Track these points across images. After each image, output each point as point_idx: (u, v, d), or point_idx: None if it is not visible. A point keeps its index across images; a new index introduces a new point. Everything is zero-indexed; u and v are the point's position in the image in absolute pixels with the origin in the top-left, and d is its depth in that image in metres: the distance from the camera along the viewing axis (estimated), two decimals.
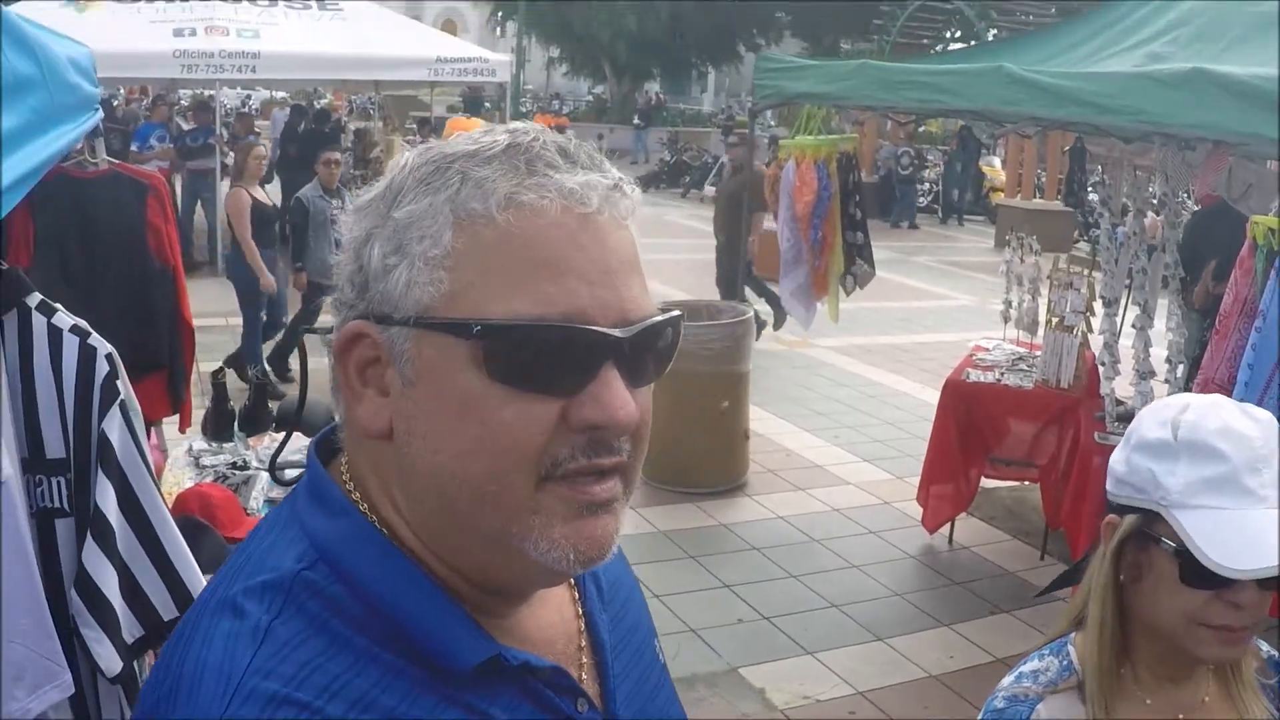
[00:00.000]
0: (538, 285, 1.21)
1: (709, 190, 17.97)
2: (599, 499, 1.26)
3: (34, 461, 3.21)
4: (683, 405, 9.15)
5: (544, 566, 1.26)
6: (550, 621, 1.45)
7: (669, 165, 36.79)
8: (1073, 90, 6.48)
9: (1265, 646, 2.28)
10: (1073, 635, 2.26)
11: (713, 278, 14.58)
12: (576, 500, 1.25)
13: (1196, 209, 9.52)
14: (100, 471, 3.22)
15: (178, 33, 15.44)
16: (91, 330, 3.35)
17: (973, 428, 8.40)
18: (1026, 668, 2.26)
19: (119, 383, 3.32)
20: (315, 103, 27.54)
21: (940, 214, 33.58)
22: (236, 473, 5.21)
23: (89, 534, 3.19)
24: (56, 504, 3.25)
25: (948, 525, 8.65)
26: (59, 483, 3.25)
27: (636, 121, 47.90)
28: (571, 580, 1.51)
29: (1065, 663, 2.22)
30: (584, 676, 1.45)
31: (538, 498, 1.24)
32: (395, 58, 17.24)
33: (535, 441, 1.22)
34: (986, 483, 8.90)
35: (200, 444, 5.59)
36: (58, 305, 3.34)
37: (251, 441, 5.56)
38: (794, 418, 11.84)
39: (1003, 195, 31.37)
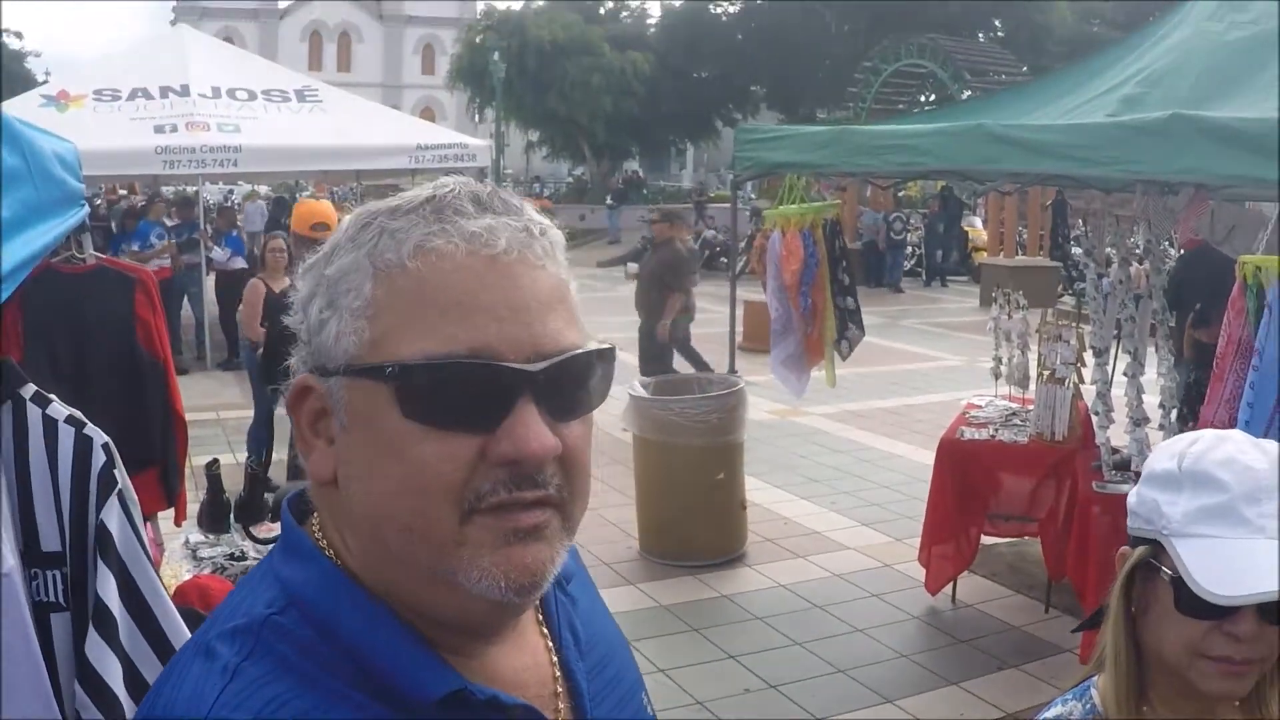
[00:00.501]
0: (446, 325, 1.26)
1: (631, 268, 17.80)
2: (524, 525, 1.28)
3: (29, 554, 3.18)
4: (678, 479, 9.16)
5: (479, 597, 1.27)
6: (523, 665, 1.45)
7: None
8: (1053, 144, 6.50)
9: None
10: (1096, 678, 2.23)
11: (703, 351, 14.56)
12: (502, 528, 1.27)
13: (1180, 254, 9.55)
14: (100, 562, 3.19)
15: (159, 129, 15.54)
16: (87, 421, 3.33)
17: (970, 485, 8.38)
18: (1050, 713, 2.23)
19: (116, 472, 3.29)
20: (298, 195, 27.61)
21: (924, 276, 33.73)
22: (234, 564, 5.18)
23: (91, 625, 3.15)
24: (52, 598, 3.21)
25: (950, 584, 8.58)
26: (55, 576, 3.21)
27: (609, 201, 48.20)
28: (544, 628, 1.53)
29: (1089, 705, 2.20)
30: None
31: (464, 531, 1.26)
32: (376, 146, 17.39)
33: (454, 477, 1.25)
34: (986, 539, 8.84)
35: (197, 536, 5.57)
36: (52, 396, 3.33)
37: (252, 530, 5.53)
38: (789, 486, 11.81)
39: (985, 254, 31.53)
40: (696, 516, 9.22)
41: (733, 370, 10.07)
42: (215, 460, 5.86)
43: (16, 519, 3.14)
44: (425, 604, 1.32)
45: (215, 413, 13.18)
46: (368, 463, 1.30)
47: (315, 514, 1.43)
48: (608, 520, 9.88)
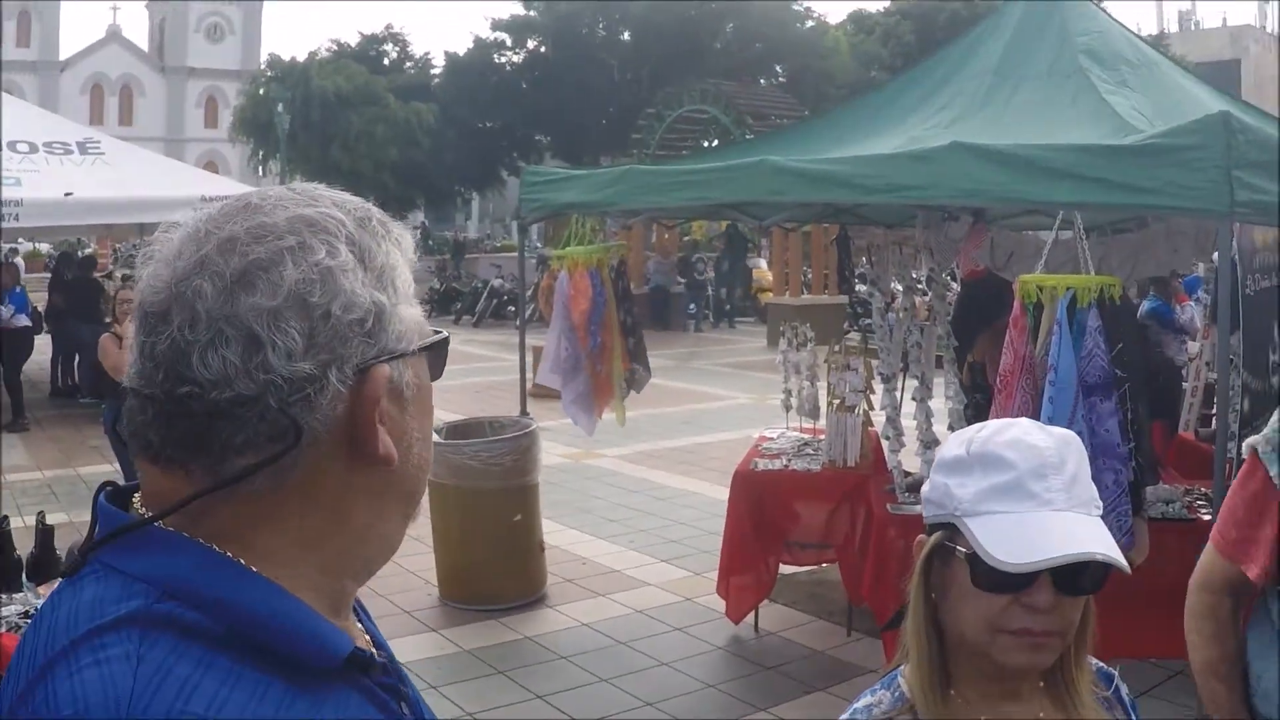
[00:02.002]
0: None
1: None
2: None
3: None
4: (474, 522, 9.09)
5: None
6: (360, 640, 1.46)
7: (439, 293, 36.79)
8: (835, 174, 6.66)
9: (1094, 661, 2.31)
10: (902, 667, 2.27)
11: (494, 398, 14.50)
12: None
13: (962, 283, 9.83)
14: None
15: None
16: None
17: (766, 516, 8.46)
18: (860, 703, 2.26)
19: None
20: (79, 252, 26.90)
21: (711, 318, 34.18)
22: (28, 622, 5.00)
23: None
24: None
25: (752, 614, 8.64)
26: None
27: None
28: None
29: (897, 694, 2.23)
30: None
31: None
32: (161, 198, 16.85)
33: None
34: (785, 569, 8.94)
35: None
36: None
37: (41, 590, 5.34)
38: (586, 526, 11.81)
39: (771, 294, 32.04)
40: (495, 560, 9.16)
41: (524, 413, 10.04)
42: (5, 517, 5.67)
43: None
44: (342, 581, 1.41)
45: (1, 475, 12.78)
46: (422, 424, 1.45)
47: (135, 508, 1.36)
48: (406, 569, 9.72)
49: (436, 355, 1.45)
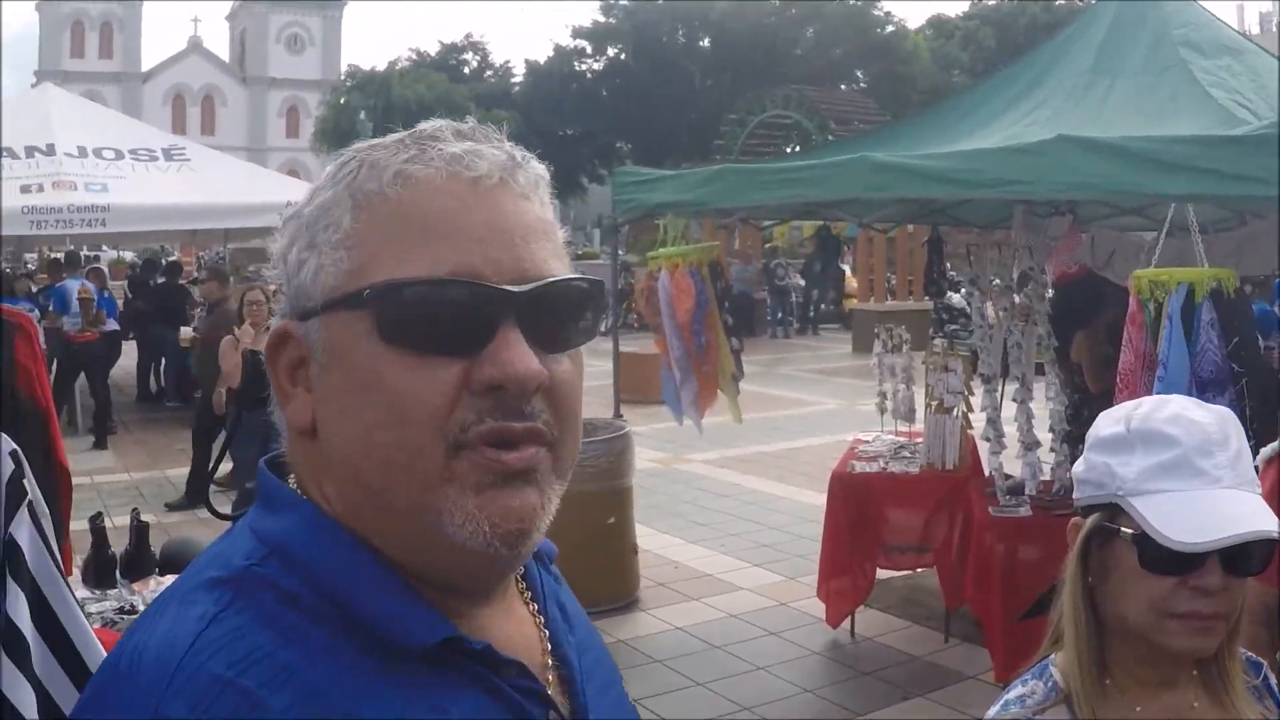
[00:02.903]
0: (427, 248, 1.23)
1: (186, 332, 17.61)
2: (512, 466, 1.22)
3: None
4: (568, 524, 8.79)
5: (464, 547, 1.21)
6: (512, 633, 1.37)
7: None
8: (936, 169, 6.56)
9: (1243, 651, 2.22)
10: (1053, 656, 2.19)
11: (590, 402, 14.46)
12: (490, 468, 1.21)
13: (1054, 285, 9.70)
14: (10, 581, 2.98)
15: (25, 189, 15.09)
16: None
17: (863, 518, 8.36)
18: (1011, 694, 2.19)
19: (26, 482, 3.10)
20: (163, 260, 27.21)
21: (796, 324, 34.04)
22: (124, 617, 4.99)
23: (1, 652, 2.93)
24: None
25: (848, 620, 8.54)
26: None
27: None
28: (530, 603, 1.46)
29: (1050, 683, 2.16)
30: (551, 692, 1.37)
31: (450, 466, 1.21)
32: (246, 204, 16.96)
33: (437, 404, 1.19)
34: (880, 574, 8.83)
35: (83, 592, 5.35)
36: None
37: (136, 586, 5.34)
38: (678, 531, 11.75)
39: (856, 301, 31.89)
40: (589, 562, 9.04)
41: (618, 415, 9.99)
42: (99, 514, 5.69)
43: None
44: (410, 557, 1.25)
45: (90, 477, 12.89)
46: (347, 399, 1.24)
47: (290, 476, 1.34)
48: None
49: (384, 311, 1.21)
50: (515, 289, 1.21)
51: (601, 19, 57.03)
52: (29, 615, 3.00)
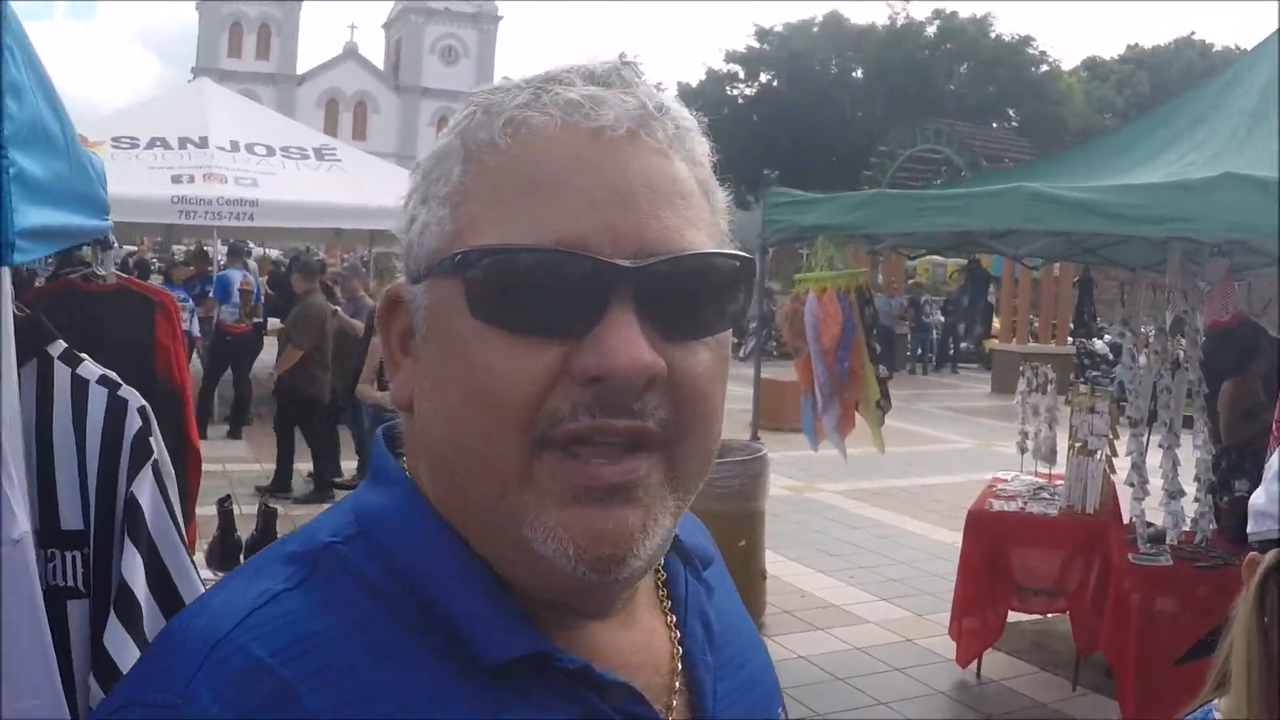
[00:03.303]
0: (532, 210, 1.06)
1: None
2: (603, 481, 1.05)
3: (46, 534, 2.92)
4: None
5: (549, 563, 1.05)
6: (636, 646, 1.21)
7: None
8: (1096, 202, 6.41)
9: None
10: (1216, 701, 2.08)
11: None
12: (574, 479, 1.04)
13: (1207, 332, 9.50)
14: (127, 541, 2.94)
15: (176, 179, 15.34)
16: (122, 382, 3.13)
17: (999, 558, 8.21)
18: None
19: (152, 440, 3.05)
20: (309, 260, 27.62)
21: (935, 361, 33.70)
22: None
23: (112, 612, 2.90)
24: (70, 583, 2.96)
25: (975, 661, 8.39)
26: (74, 558, 2.93)
27: None
28: (669, 614, 1.29)
29: None
30: (672, 718, 1.22)
31: (531, 466, 1.05)
32: (393, 207, 17.14)
33: (525, 390, 1.04)
34: (1010, 616, 8.67)
35: (207, 573, 5.42)
36: (84, 355, 3.12)
37: None
38: (807, 559, 11.64)
39: (997, 341, 31.53)
40: None
41: (755, 438, 9.92)
42: (228, 497, 5.74)
43: (34, 492, 2.87)
44: (498, 560, 1.11)
45: (222, 465, 13.10)
46: (441, 375, 1.10)
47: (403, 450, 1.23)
48: None
49: (474, 281, 1.06)
50: (628, 264, 1.04)
51: (755, 44, 57.08)
52: (144, 577, 2.95)
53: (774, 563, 10.66)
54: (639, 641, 1.22)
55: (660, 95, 1.15)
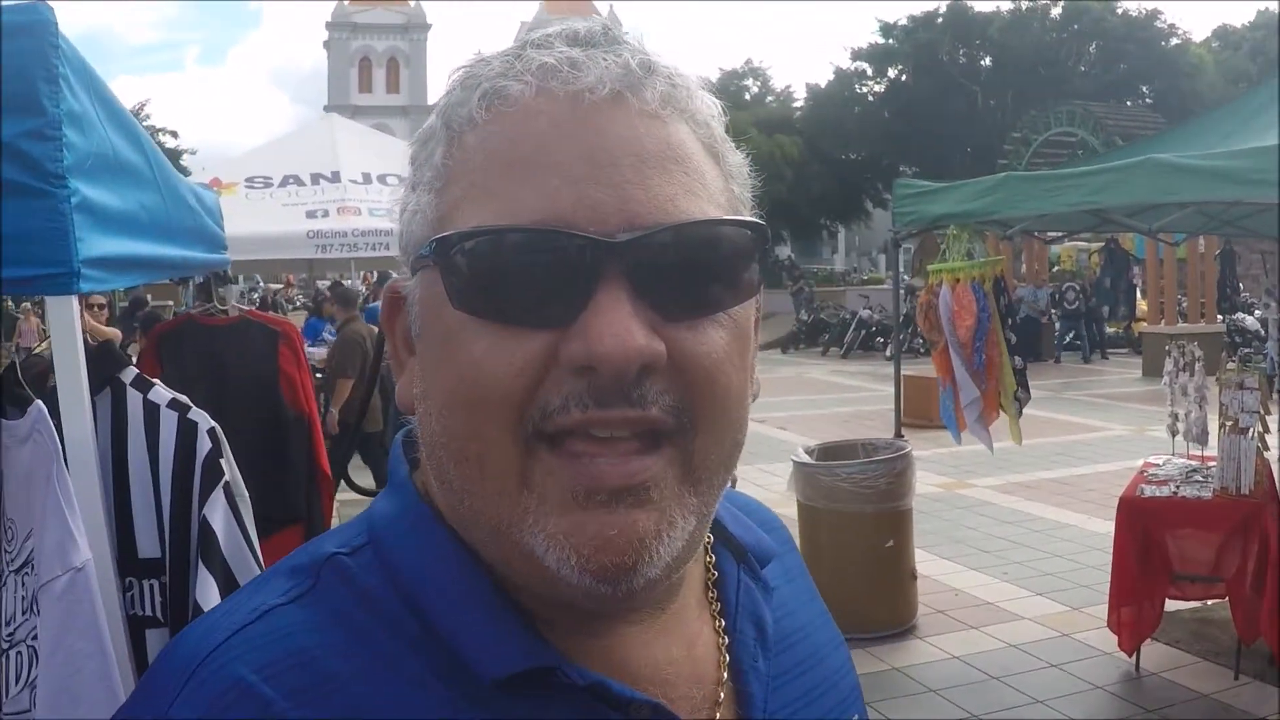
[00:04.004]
0: (509, 189, 0.98)
1: None
2: (606, 482, 0.95)
3: (125, 562, 2.92)
4: (846, 546, 8.88)
5: (556, 574, 0.97)
6: (669, 656, 1.11)
7: (807, 324, 37.06)
8: (1231, 169, 6.19)
9: None
10: None
11: (862, 428, 14.30)
12: (574, 482, 0.96)
13: None
14: (201, 565, 2.94)
15: (310, 214, 15.47)
16: (192, 404, 3.12)
17: (1153, 545, 7.94)
18: None
19: (223, 462, 3.06)
20: None
21: (1085, 349, 33.07)
22: None
23: None
24: (148, 611, 2.98)
25: (1133, 654, 8.14)
26: (151, 587, 2.95)
27: None
28: (718, 618, 1.19)
29: None
30: None
31: (528, 467, 0.97)
32: None
33: (511, 384, 0.95)
34: (1169, 605, 8.40)
35: None
36: (155, 380, 3.13)
37: None
38: (959, 557, 11.42)
39: (1145, 324, 30.92)
40: (865, 587, 8.89)
41: (899, 435, 9.77)
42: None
43: (112, 520, 2.86)
44: (508, 567, 1.03)
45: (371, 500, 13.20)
46: (431, 373, 1.03)
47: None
48: None
49: (453, 269, 0.99)
50: (613, 239, 0.95)
51: (880, 40, 56.79)
52: (219, 601, 2.91)
53: (925, 562, 10.48)
54: (678, 651, 1.13)
55: (648, 53, 1.05)
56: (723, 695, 1.14)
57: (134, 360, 4.12)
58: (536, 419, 0.96)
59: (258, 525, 3.24)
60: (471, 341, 0.97)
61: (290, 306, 23.58)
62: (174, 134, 78.17)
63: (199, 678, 0.97)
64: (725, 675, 1.15)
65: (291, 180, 16.46)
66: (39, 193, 2.47)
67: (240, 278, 22.45)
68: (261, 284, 30.87)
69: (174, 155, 74.16)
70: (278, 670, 0.96)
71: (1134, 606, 7.97)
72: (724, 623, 1.19)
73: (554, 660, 1.01)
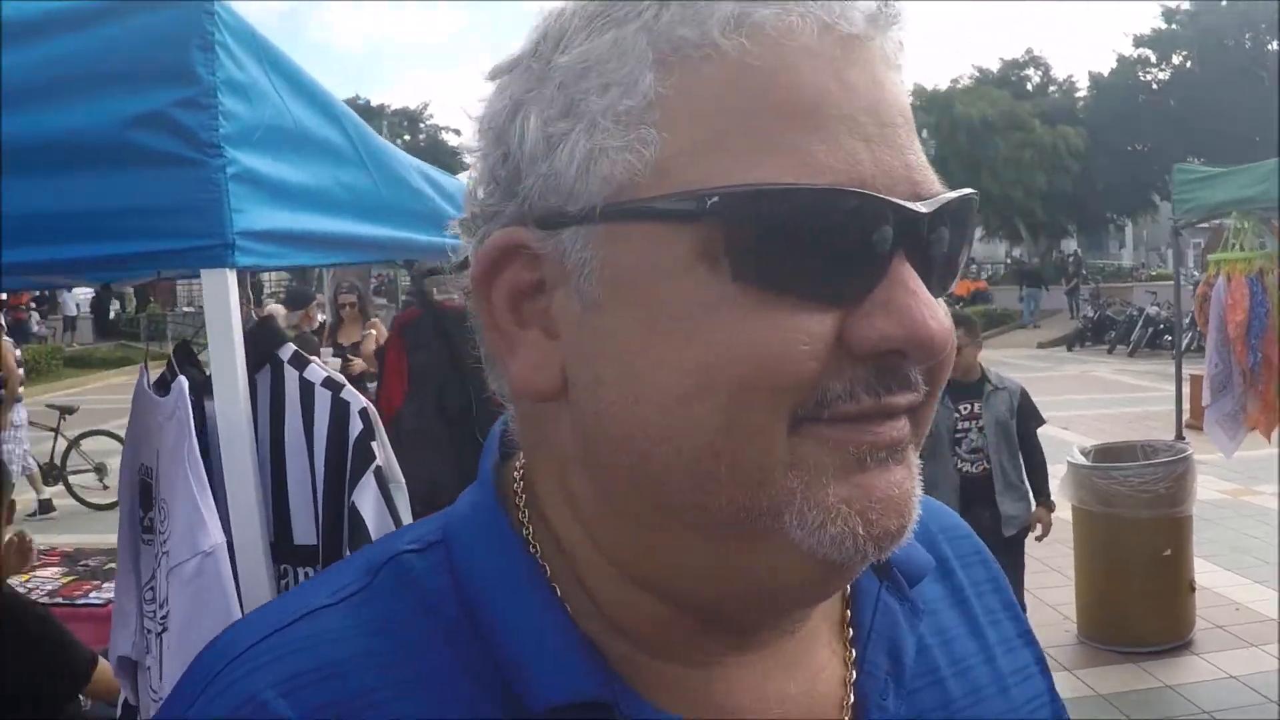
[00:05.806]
0: (796, 142, 0.79)
1: None
2: (884, 440, 0.83)
3: (281, 548, 2.85)
4: (1119, 554, 8.55)
5: (808, 555, 0.82)
6: (787, 694, 0.96)
7: (1092, 322, 36.52)
8: None
9: None
10: None
11: (1147, 429, 13.74)
12: (854, 443, 0.82)
13: None
14: (349, 553, 2.81)
15: None
16: (346, 383, 2.99)
17: None
18: None
19: (375, 445, 2.93)
20: None
21: None
22: None
23: None
24: None
25: None
26: (307, 574, 2.86)
27: (1023, 288, 45.22)
28: (850, 647, 1.02)
29: None
30: None
31: (797, 450, 0.81)
32: None
33: (804, 369, 0.79)
34: None
35: None
36: (311, 357, 3.01)
37: None
38: (1243, 569, 10.81)
39: None
40: (1140, 598, 8.52)
41: (1180, 437, 9.26)
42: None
43: (267, 503, 2.71)
44: (699, 578, 0.87)
45: None
46: (640, 354, 0.82)
47: (518, 456, 1.01)
48: (1043, 602, 9.28)
49: (741, 230, 0.79)
50: (920, 208, 0.81)
51: (1163, 25, 55.24)
52: None
53: (1205, 573, 9.95)
54: (797, 687, 0.98)
55: None
56: None
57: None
58: (811, 407, 0.81)
59: None
60: (746, 318, 0.79)
61: None
62: (456, 132, 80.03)
63: (217, 687, 0.88)
64: (848, 715, 0.99)
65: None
66: (192, 162, 2.37)
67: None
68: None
69: (454, 153, 76.15)
70: (302, 684, 0.86)
71: None
72: (855, 652, 1.03)
73: (610, 694, 0.88)
